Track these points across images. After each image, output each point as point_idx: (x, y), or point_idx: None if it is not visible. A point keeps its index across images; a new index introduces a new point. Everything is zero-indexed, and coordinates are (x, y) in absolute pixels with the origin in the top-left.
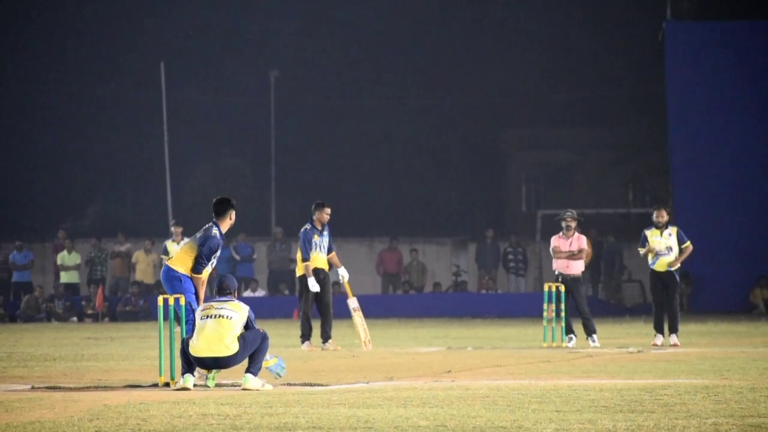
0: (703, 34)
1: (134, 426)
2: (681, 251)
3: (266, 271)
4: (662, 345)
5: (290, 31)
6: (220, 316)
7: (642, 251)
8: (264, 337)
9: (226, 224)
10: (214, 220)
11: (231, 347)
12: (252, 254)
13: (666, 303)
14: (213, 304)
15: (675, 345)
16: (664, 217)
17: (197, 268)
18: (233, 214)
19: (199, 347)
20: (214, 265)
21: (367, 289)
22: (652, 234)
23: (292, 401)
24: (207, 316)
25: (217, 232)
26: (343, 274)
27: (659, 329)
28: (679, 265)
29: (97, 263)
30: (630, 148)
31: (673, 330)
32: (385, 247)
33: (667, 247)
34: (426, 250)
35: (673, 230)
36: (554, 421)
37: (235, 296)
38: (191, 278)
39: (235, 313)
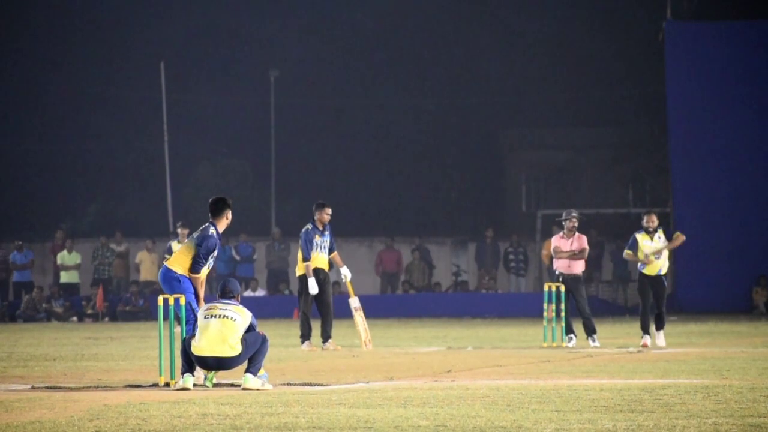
0: (703, 34)
1: (134, 426)
2: (672, 240)
3: (265, 271)
4: (650, 346)
5: (290, 31)
6: (224, 316)
7: (628, 255)
8: (264, 340)
9: (223, 224)
10: (211, 220)
11: (235, 348)
12: (252, 254)
13: (654, 305)
14: (217, 304)
15: (661, 346)
16: (655, 222)
17: (195, 267)
18: (230, 213)
19: (202, 347)
20: (211, 265)
21: (367, 289)
22: (642, 238)
23: (292, 401)
24: (211, 316)
25: (215, 232)
26: (346, 273)
27: (646, 330)
28: (668, 252)
29: (104, 262)
30: (630, 148)
31: (660, 327)
32: (383, 248)
33: (656, 251)
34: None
35: (661, 233)
36: (554, 421)
37: (238, 300)
38: (189, 278)
39: (239, 316)
